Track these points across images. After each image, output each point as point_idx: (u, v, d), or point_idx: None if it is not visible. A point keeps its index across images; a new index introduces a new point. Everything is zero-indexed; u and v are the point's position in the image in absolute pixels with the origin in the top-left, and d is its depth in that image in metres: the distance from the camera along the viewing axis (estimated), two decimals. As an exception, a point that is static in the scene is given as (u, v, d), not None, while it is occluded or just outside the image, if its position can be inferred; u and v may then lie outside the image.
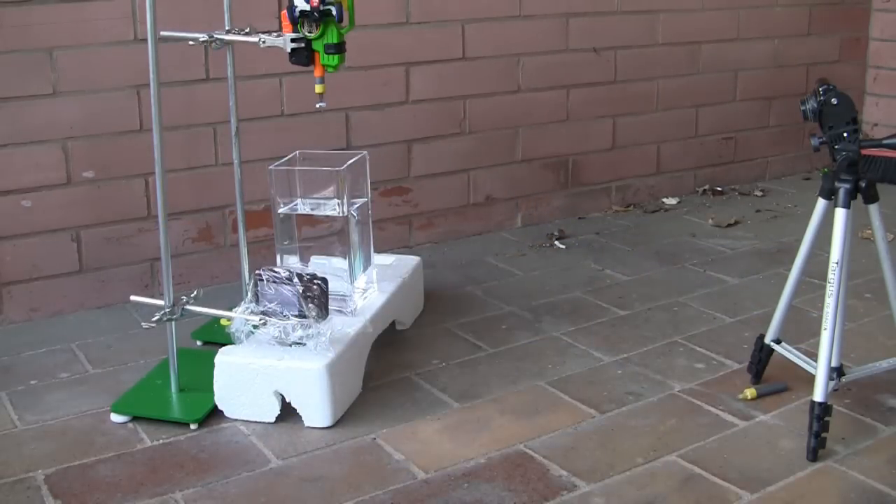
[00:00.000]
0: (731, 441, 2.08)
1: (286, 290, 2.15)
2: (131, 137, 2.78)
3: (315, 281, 2.16)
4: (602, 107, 3.68)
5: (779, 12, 4.09)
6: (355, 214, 2.37)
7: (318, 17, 2.13)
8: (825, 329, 2.00)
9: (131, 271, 2.86)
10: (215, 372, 2.16)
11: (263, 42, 2.20)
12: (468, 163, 3.43)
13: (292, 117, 3.03)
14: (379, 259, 2.68)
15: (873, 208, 2.05)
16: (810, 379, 2.02)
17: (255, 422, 2.15)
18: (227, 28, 2.37)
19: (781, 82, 4.16)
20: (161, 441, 2.09)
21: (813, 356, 2.09)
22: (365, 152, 2.46)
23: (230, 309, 2.25)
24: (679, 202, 3.91)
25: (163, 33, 2.17)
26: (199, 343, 2.57)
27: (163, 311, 2.18)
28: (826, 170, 4.20)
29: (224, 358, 2.16)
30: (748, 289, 2.98)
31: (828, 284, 2.01)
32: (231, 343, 2.20)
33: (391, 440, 2.09)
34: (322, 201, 2.36)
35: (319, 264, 2.36)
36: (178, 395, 2.23)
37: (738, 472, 1.95)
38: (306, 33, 2.15)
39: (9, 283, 2.70)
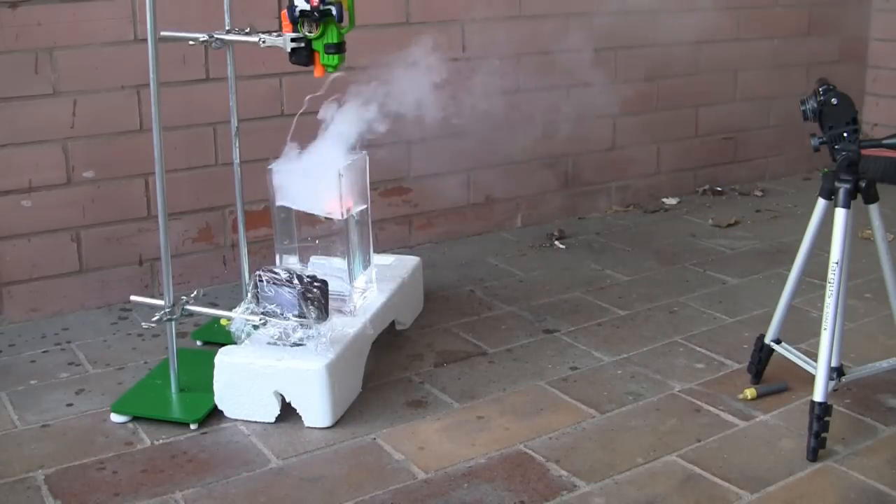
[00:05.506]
0: (731, 441, 2.08)
1: (286, 292, 2.15)
2: (131, 137, 2.78)
3: (315, 283, 2.16)
4: (602, 107, 3.68)
5: (779, 12, 4.09)
6: (354, 215, 2.37)
7: (318, 17, 2.13)
8: (825, 329, 2.00)
9: (131, 271, 2.86)
10: (215, 372, 2.15)
11: (263, 42, 2.20)
12: (468, 163, 3.43)
13: (292, 117, 3.01)
14: (379, 259, 2.68)
15: (873, 208, 2.05)
16: (810, 379, 2.02)
17: (255, 422, 2.15)
18: (227, 28, 2.37)
19: (781, 82, 4.15)
20: (161, 441, 2.09)
21: (813, 356, 2.09)
22: (365, 152, 2.46)
23: (230, 309, 2.25)
24: (679, 202, 3.91)
25: (163, 33, 2.16)
26: (199, 343, 2.57)
27: (163, 311, 2.18)
28: (826, 170, 4.20)
29: (224, 358, 2.16)
30: (748, 289, 2.98)
31: (828, 284, 2.01)
32: (231, 343, 2.20)
33: (391, 440, 2.09)
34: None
35: (319, 264, 2.36)
36: (178, 395, 2.23)
37: (738, 472, 1.95)
38: (306, 33, 2.15)
39: (9, 283, 2.70)
